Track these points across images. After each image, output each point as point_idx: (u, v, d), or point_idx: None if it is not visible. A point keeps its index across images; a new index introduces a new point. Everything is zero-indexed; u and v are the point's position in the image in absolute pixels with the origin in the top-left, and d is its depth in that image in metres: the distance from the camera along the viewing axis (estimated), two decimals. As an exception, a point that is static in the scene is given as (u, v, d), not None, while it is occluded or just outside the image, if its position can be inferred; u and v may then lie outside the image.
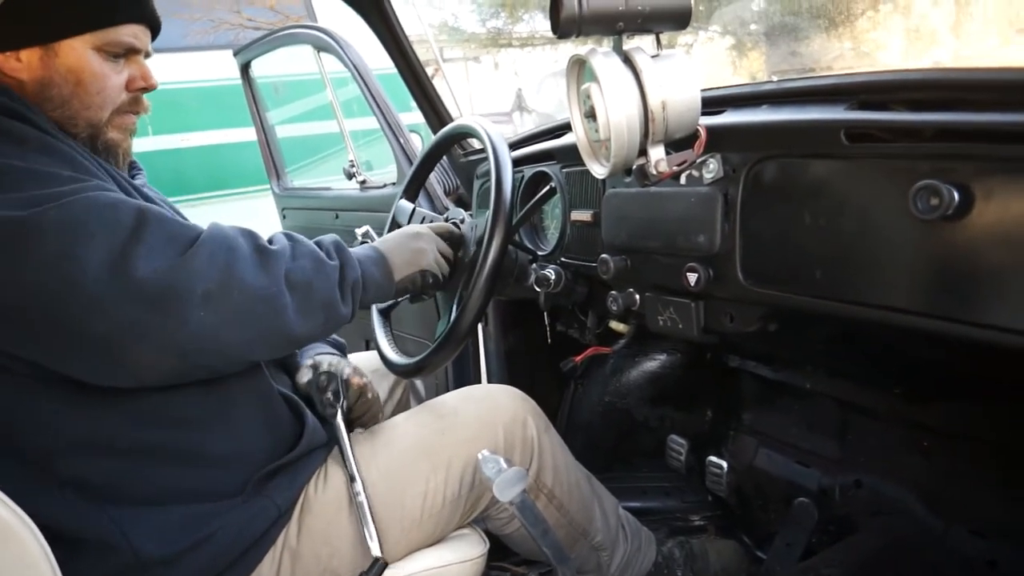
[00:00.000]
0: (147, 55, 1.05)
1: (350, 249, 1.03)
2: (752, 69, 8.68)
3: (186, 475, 0.96)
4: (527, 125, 8.61)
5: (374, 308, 1.36)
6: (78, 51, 0.96)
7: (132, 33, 1.00)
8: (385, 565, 1.01)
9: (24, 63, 0.95)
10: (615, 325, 1.46)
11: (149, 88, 1.05)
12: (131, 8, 1.00)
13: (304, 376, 1.16)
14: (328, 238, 1.02)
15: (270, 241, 0.94)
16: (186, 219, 1.20)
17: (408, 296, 1.23)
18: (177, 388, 0.93)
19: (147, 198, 1.02)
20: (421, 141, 2.05)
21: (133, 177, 1.11)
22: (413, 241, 1.13)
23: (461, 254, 1.23)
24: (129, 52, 1.01)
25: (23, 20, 0.94)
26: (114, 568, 0.90)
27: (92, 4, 0.97)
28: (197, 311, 0.81)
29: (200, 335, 0.83)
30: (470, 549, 1.11)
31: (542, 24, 10.05)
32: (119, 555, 0.90)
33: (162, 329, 0.81)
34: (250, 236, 0.91)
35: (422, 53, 1.81)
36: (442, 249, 1.17)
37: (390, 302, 1.32)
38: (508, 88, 9.79)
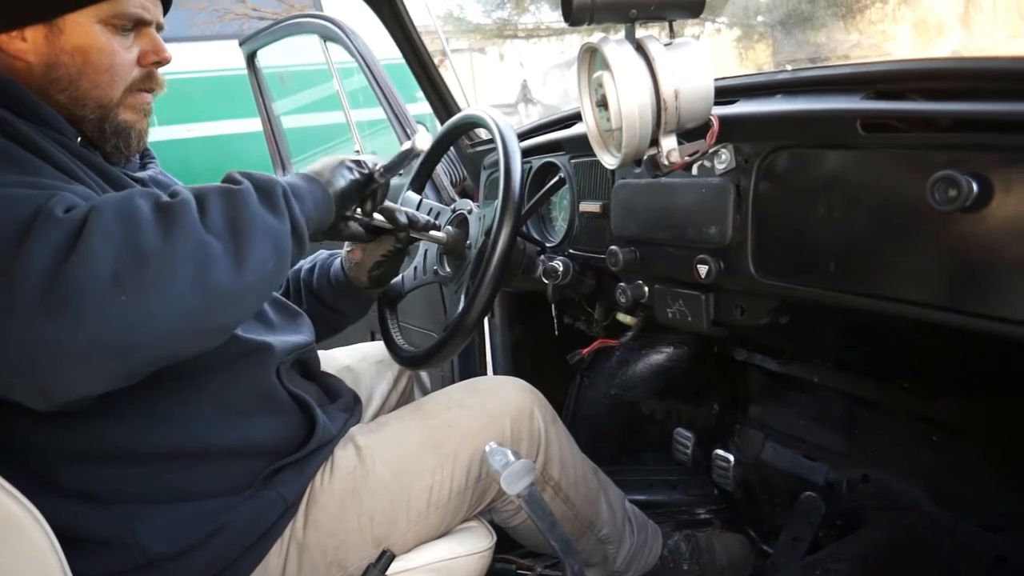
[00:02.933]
0: (159, 27, 1.00)
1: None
2: (759, 61, 8.64)
3: (194, 475, 0.95)
4: (532, 116, 8.58)
5: (378, 300, 1.35)
6: (84, 26, 0.92)
7: (139, 4, 0.95)
8: (392, 557, 1.00)
9: (29, 43, 0.91)
10: (622, 317, 1.46)
11: (162, 62, 1.00)
12: None
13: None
14: (230, 172, 0.89)
15: (171, 196, 0.81)
16: None
17: (359, 213, 1.10)
18: (182, 392, 0.92)
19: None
20: (427, 131, 2.04)
21: (145, 167, 1.09)
22: (337, 160, 1.04)
23: (469, 244, 1.22)
24: (138, 24, 0.96)
25: None
26: (122, 565, 0.90)
27: None
28: (112, 298, 0.69)
29: (130, 323, 0.70)
30: (477, 542, 1.10)
31: (548, 15, 10.01)
32: (128, 553, 0.90)
33: (77, 331, 0.68)
34: (146, 195, 0.78)
35: (428, 44, 1.79)
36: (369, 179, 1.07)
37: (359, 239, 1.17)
38: (513, 79, 9.77)
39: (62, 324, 0.67)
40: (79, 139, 0.95)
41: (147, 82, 1.00)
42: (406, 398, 1.48)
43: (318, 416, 1.06)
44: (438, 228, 1.25)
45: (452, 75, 1.91)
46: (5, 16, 0.91)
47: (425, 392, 1.90)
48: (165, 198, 0.79)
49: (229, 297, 0.77)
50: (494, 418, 1.13)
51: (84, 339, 0.68)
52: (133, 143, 1.00)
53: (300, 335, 1.14)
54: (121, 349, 0.71)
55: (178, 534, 0.92)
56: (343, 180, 1.01)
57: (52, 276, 0.68)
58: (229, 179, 0.88)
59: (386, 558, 0.99)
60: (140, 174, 1.05)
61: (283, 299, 1.20)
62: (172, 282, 0.72)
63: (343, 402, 1.17)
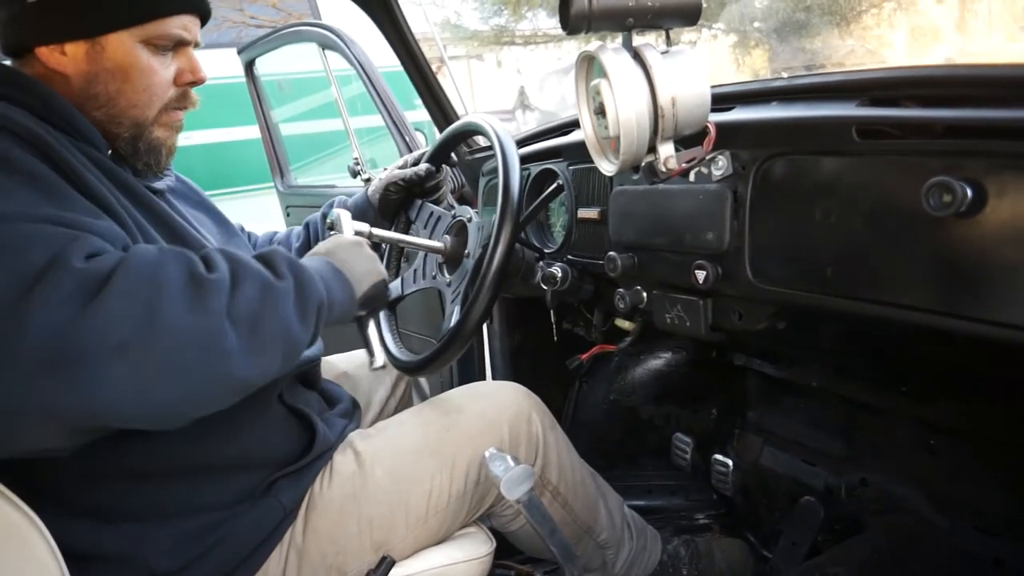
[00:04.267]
0: (196, 45, 1.00)
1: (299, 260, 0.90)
2: (756, 67, 8.67)
3: (197, 490, 0.95)
4: (530, 123, 8.60)
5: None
6: (126, 45, 0.92)
7: (182, 24, 0.95)
8: (392, 563, 1.00)
9: (70, 57, 0.91)
10: (621, 323, 1.46)
11: (198, 82, 1.00)
12: None
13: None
14: (277, 253, 0.86)
15: (207, 264, 0.78)
16: (221, 216, 1.13)
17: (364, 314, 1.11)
18: None
19: (170, 204, 1.00)
20: (425, 139, 2.05)
21: (159, 179, 1.07)
22: (360, 248, 1.02)
23: (468, 253, 1.22)
24: (178, 45, 0.97)
25: (68, 12, 0.90)
26: None
27: None
28: (114, 366, 0.65)
29: (119, 396, 0.66)
30: (477, 547, 1.10)
31: (545, 22, 10.04)
32: (133, 571, 0.90)
33: (68, 394, 0.64)
34: (182, 261, 0.75)
35: (426, 51, 1.80)
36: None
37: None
38: (511, 86, 9.79)
39: (55, 384, 0.64)
40: (109, 152, 0.95)
41: (181, 101, 1.00)
42: (404, 403, 1.49)
43: (318, 427, 1.06)
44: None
45: (450, 82, 1.91)
46: (49, 29, 0.91)
47: (424, 398, 1.90)
48: (201, 268, 0.75)
49: (224, 388, 0.75)
50: (493, 423, 1.14)
51: (73, 404, 0.65)
52: (163, 160, 1.01)
53: (309, 349, 1.14)
54: (105, 417, 0.68)
55: (182, 549, 0.92)
56: (375, 300, 1.02)
57: (58, 331, 0.64)
58: (273, 264, 0.83)
59: (386, 564, 0.99)
60: (158, 184, 1.04)
61: None
62: (178, 364, 0.69)
63: (342, 408, 1.17)
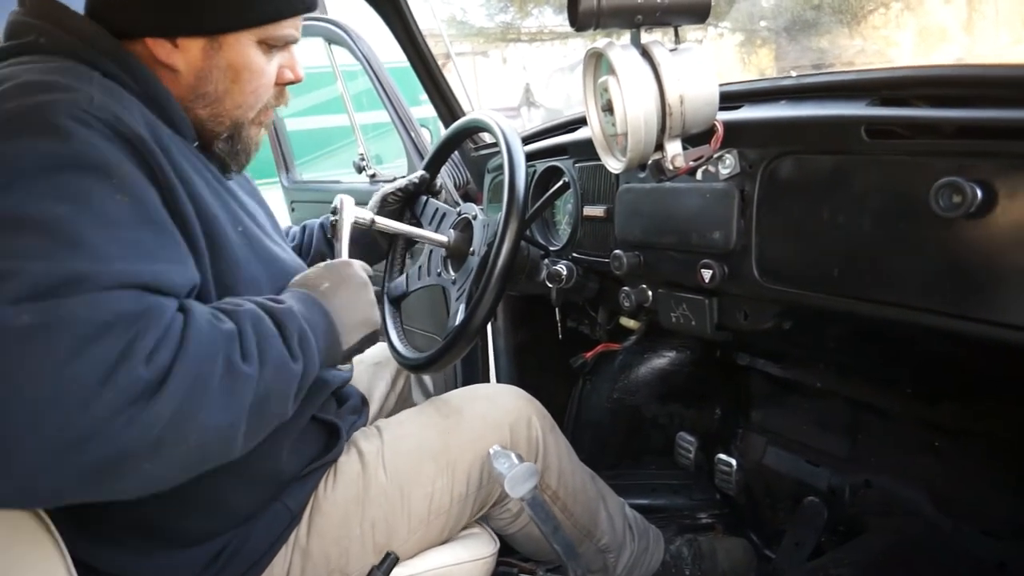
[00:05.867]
0: (295, 42, 0.97)
1: (291, 301, 0.87)
2: (761, 66, 8.65)
3: (228, 507, 0.94)
4: (535, 120, 8.59)
5: (385, 298, 1.36)
6: (243, 44, 0.89)
7: (295, 25, 0.94)
8: (396, 560, 1.00)
9: (182, 51, 0.88)
10: (626, 321, 1.46)
11: (296, 80, 0.98)
12: None
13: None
14: (291, 322, 0.82)
15: (242, 345, 0.76)
16: (268, 207, 1.10)
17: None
18: None
19: (237, 199, 0.97)
20: (430, 135, 2.05)
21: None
22: (361, 294, 0.97)
23: (473, 251, 1.22)
24: (286, 44, 0.95)
25: (190, 6, 0.87)
26: None
27: None
28: (145, 463, 0.66)
29: (143, 484, 0.69)
30: (481, 548, 1.10)
31: (551, 19, 10.03)
32: None
33: (97, 485, 0.65)
34: (225, 348, 0.73)
35: (432, 47, 1.80)
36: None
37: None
38: (516, 83, 9.78)
39: (89, 474, 0.64)
40: (196, 145, 0.94)
41: (278, 99, 0.99)
42: (404, 399, 1.49)
43: (342, 434, 1.06)
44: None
45: (456, 78, 1.91)
46: (167, 20, 0.88)
47: (427, 394, 1.90)
48: (237, 356, 0.74)
49: (216, 463, 0.75)
50: (494, 426, 1.13)
51: (101, 491, 0.67)
52: (252, 156, 1.00)
53: (350, 368, 1.15)
54: (126, 497, 0.70)
55: (205, 572, 0.93)
56: (356, 351, 0.97)
57: (111, 434, 0.63)
58: (290, 340, 0.81)
59: (390, 561, 0.99)
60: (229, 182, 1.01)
61: None
62: (198, 457, 0.72)
63: (352, 405, 1.17)
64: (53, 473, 0.62)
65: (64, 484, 0.63)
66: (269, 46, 0.92)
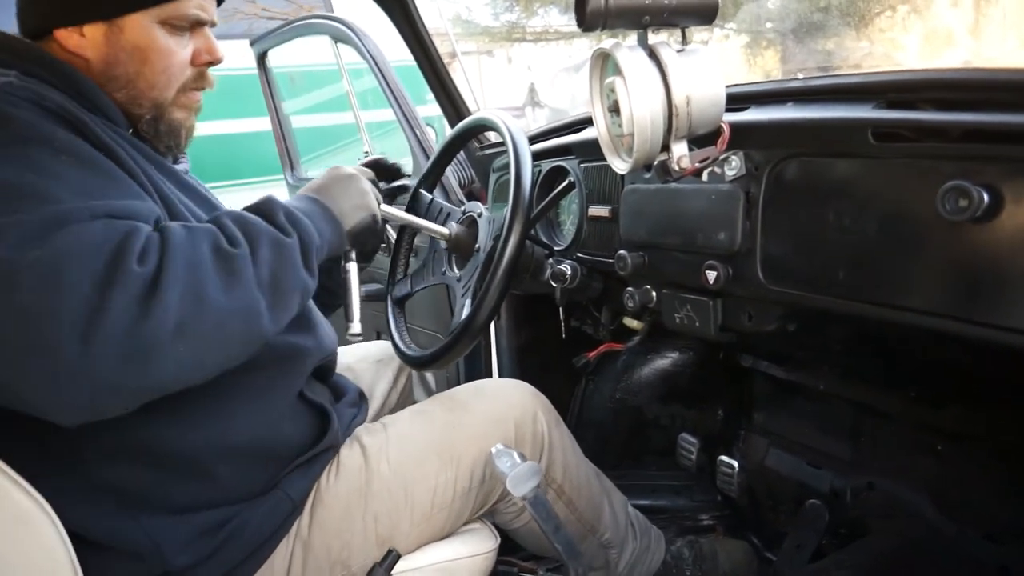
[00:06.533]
0: (212, 25, 1.00)
1: (290, 205, 0.94)
2: (767, 68, 8.63)
3: (215, 479, 0.95)
4: (540, 120, 8.59)
5: (388, 298, 1.36)
6: (144, 26, 0.92)
7: (199, 4, 0.95)
8: (398, 557, 1.01)
9: (88, 40, 0.92)
10: (629, 322, 1.46)
11: (215, 62, 1.00)
12: None
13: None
14: (272, 205, 0.91)
15: (225, 234, 0.82)
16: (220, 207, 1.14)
17: (362, 253, 1.13)
18: (218, 392, 0.90)
19: (186, 186, 1.00)
20: (435, 134, 2.05)
21: (176, 161, 1.08)
22: (352, 182, 1.05)
23: (478, 248, 1.22)
24: (195, 25, 0.97)
25: None
26: (140, 574, 0.91)
27: None
28: (176, 347, 0.73)
29: (183, 370, 0.76)
30: (481, 543, 1.11)
31: (556, 19, 10.02)
32: (149, 565, 0.90)
33: (143, 377, 0.73)
34: (208, 239, 0.80)
35: (438, 46, 1.80)
36: (376, 191, 1.10)
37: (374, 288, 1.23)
38: (521, 83, 9.78)
39: (132, 369, 0.71)
40: (130, 131, 0.96)
41: (199, 81, 1.01)
42: (406, 396, 1.49)
43: (333, 420, 1.07)
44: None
45: (462, 77, 1.91)
46: (68, 10, 0.91)
47: (430, 393, 1.90)
48: (224, 243, 0.81)
49: (253, 346, 0.83)
50: (498, 421, 1.14)
51: (147, 384, 0.74)
52: (183, 141, 1.02)
53: (331, 340, 1.15)
54: (167, 387, 0.76)
55: (197, 544, 0.92)
56: (366, 235, 1.06)
57: (129, 330, 0.70)
58: (275, 220, 0.88)
59: (392, 557, 0.99)
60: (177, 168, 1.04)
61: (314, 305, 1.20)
62: (225, 334, 0.78)
63: (349, 399, 1.17)
64: (105, 371, 0.70)
65: (117, 377, 0.71)
66: (174, 27, 0.94)
